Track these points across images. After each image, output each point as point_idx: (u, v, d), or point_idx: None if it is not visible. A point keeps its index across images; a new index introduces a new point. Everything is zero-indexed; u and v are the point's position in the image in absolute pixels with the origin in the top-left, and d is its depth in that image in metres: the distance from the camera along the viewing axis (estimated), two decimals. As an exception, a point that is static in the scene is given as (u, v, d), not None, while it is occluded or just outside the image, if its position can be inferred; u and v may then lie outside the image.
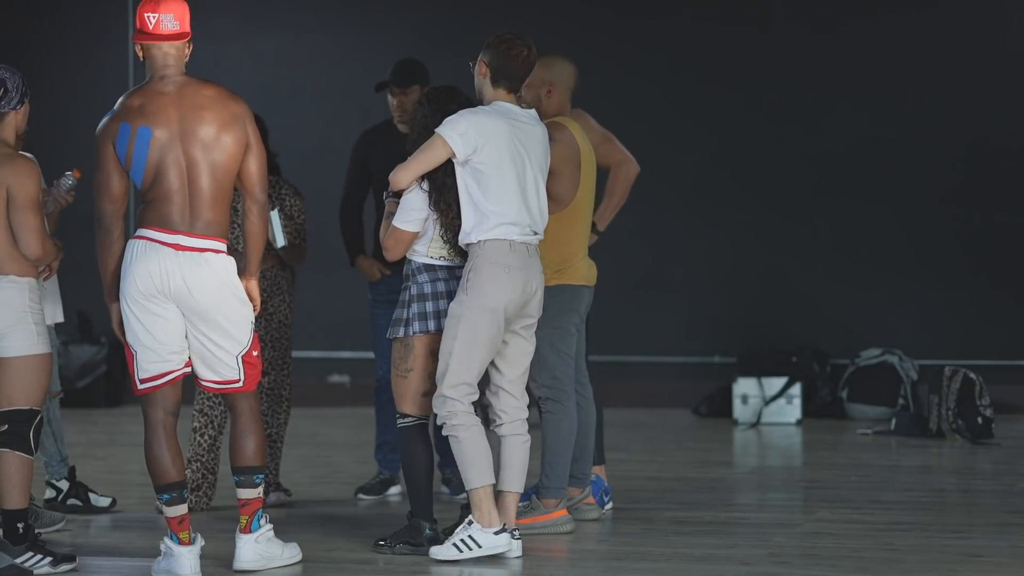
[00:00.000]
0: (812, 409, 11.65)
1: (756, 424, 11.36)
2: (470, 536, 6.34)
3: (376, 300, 8.11)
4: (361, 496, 8.07)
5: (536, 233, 6.49)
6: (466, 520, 6.37)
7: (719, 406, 11.87)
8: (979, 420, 10.16)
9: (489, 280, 6.36)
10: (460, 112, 6.43)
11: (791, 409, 11.46)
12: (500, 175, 6.40)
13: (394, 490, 8.14)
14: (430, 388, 6.44)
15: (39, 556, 6.25)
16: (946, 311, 11.96)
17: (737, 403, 11.55)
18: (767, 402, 11.47)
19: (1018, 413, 11.49)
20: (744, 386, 11.55)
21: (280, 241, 7.55)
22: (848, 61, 12.10)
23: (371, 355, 8.35)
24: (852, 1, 12.18)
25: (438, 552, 6.37)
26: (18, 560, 6.20)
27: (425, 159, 6.40)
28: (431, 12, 12.85)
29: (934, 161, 12.00)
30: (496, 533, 6.34)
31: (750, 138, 12.27)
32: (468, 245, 6.44)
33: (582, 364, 7.27)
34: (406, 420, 6.50)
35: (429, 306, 6.41)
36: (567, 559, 6.47)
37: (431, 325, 6.39)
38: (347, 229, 8.20)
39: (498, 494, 6.49)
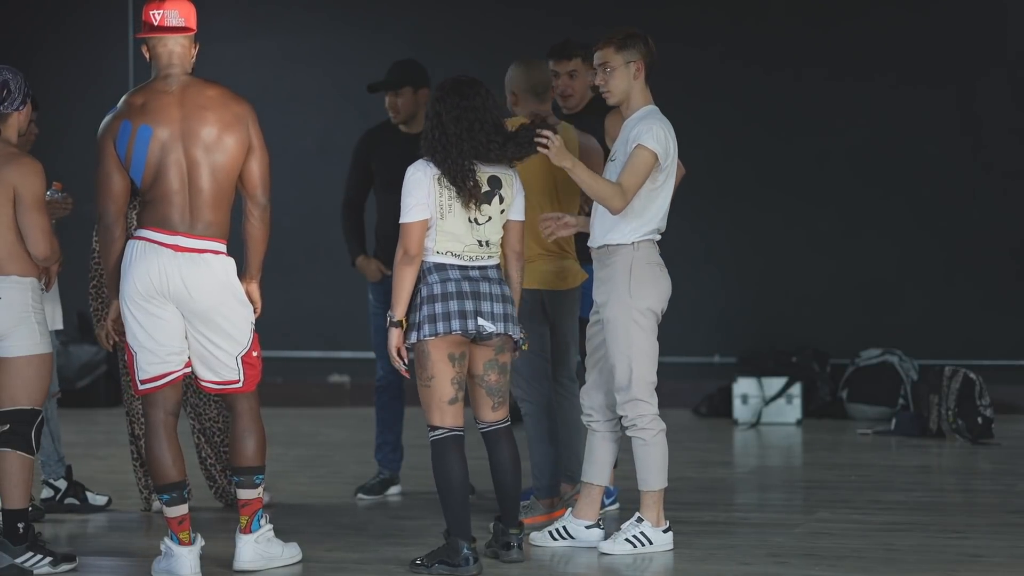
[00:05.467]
0: (812, 409, 11.65)
1: (756, 424, 11.37)
2: (642, 533, 6.47)
3: (377, 300, 8.12)
4: (361, 496, 8.07)
5: (661, 233, 6.55)
6: (635, 518, 6.49)
7: (719, 406, 11.88)
8: (979, 420, 10.16)
9: (651, 281, 6.45)
10: (646, 120, 6.44)
11: (791, 409, 11.47)
12: (668, 180, 6.50)
13: (394, 490, 8.15)
14: (457, 395, 6.17)
15: (39, 556, 6.25)
16: (946, 311, 11.96)
17: (737, 403, 11.55)
18: (767, 402, 11.47)
19: (1018, 413, 11.49)
20: (744, 386, 11.56)
21: None
22: (847, 61, 12.10)
23: (371, 355, 8.36)
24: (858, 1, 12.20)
25: (611, 547, 6.46)
26: (18, 560, 6.21)
27: (642, 173, 6.38)
28: (431, 12, 12.85)
29: (934, 161, 12.00)
30: (664, 532, 6.49)
31: (750, 138, 12.28)
32: (616, 245, 6.44)
33: (572, 363, 7.27)
34: (437, 433, 6.15)
35: (439, 308, 6.09)
36: (566, 559, 6.47)
37: (440, 328, 6.08)
38: (348, 229, 8.20)
39: (585, 486, 6.66)
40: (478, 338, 6.16)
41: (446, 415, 6.15)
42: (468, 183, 6.09)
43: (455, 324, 6.09)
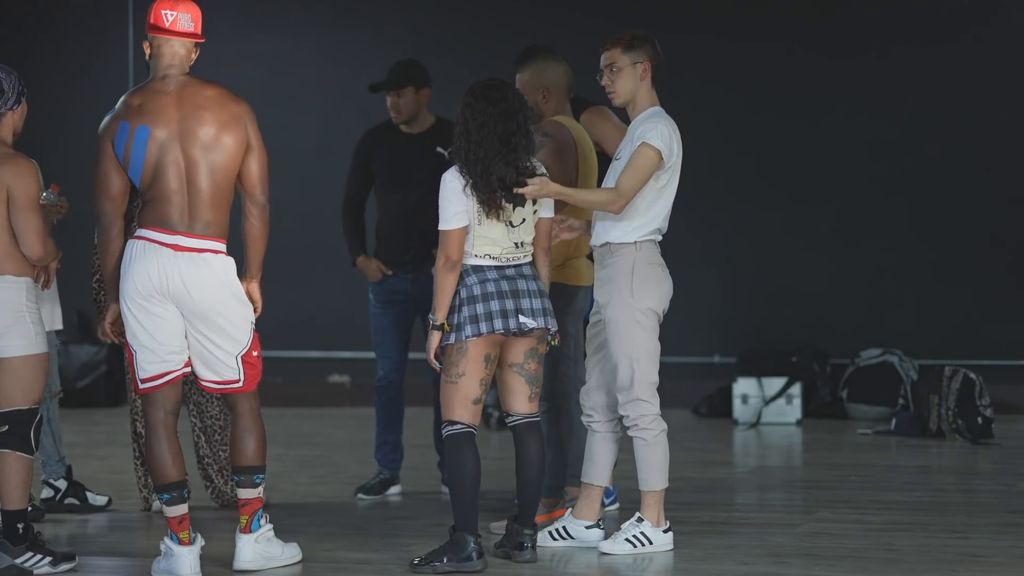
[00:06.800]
0: (812, 409, 11.65)
1: (756, 424, 11.36)
2: (642, 533, 6.47)
3: (377, 300, 8.12)
4: (361, 496, 8.07)
5: (662, 233, 6.54)
6: (635, 517, 6.49)
7: (719, 406, 11.87)
8: (979, 420, 10.16)
9: (653, 281, 6.45)
10: (652, 119, 6.44)
11: (791, 409, 11.47)
12: (672, 180, 6.49)
13: (394, 490, 8.14)
14: (482, 396, 6.22)
15: (39, 556, 6.25)
16: (946, 311, 11.96)
17: (737, 403, 11.55)
18: (767, 402, 11.47)
19: (1018, 413, 11.48)
20: (744, 386, 11.56)
21: None
22: (848, 61, 12.10)
23: (371, 355, 8.35)
24: (856, 1, 12.19)
25: (611, 547, 6.46)
26: (18, 560, 6.20)
27: (644, 172, 6.38)
28: (430, 12, 12.85)
29: (934, 161, 12.00)
30: (664, 532, 6.50)
31: (750, 138, 12.27)
32: (618, 244, 6.43)
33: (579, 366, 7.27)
34: (455, 428, 6.20)
35: (480, 308, 6.15)
36: (567, 559, 6.46)
37: (483, 328, 6.14)
38: (348, 229, 8.20)
39: (585, 486, 6.67)
40: (519, 334, 6.23)
41: (467, 412, 6.21)
42: (483, 194, 6.15)
43: (497, 324, 6.15)
